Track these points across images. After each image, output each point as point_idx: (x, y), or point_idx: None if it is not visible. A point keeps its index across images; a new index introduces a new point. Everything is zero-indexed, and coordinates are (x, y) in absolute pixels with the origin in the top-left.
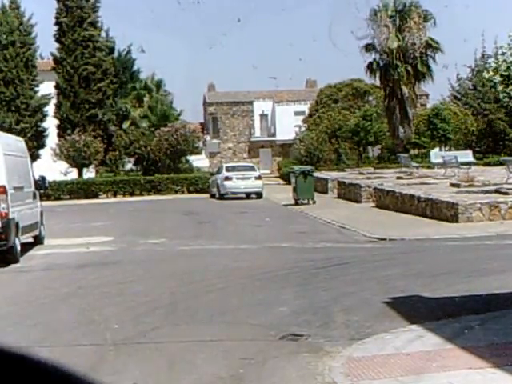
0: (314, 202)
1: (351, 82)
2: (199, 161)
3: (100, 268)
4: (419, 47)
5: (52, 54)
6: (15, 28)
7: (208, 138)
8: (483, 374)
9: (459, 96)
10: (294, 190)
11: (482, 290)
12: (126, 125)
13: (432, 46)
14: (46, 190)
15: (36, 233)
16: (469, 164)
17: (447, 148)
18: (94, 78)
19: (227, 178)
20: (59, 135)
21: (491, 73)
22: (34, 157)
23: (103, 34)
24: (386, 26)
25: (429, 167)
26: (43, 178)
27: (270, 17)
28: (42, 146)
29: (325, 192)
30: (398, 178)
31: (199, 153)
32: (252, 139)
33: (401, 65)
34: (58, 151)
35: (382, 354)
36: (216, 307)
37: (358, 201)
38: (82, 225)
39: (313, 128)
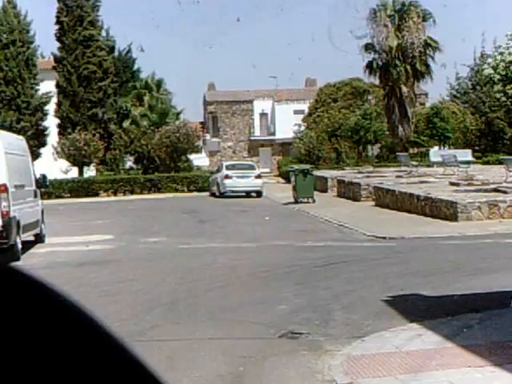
0: (314, 201)
1: (350, 81)
2: (199, 159)
3: (100, 266)
4: (418, 46)
5: (53, 53)
6: (15, 27)
7: (208, 136)
8: (482, 373)
9: (458, 95)
10: (294, 188)
11: (481, 288)
12: (126, 124)
13: (431, 46)
14: (46, 188)
15: (37, 231)
16: (468, 163)
17: (446, 147)
18: (94, 77)
19: (227, 177)
20: (60, 134)
21: (490, 70)
22: (35, 155)
23: (103, 33)
24: (385, 25)
25: (428, 166)
26: (44, 177)
27: (270, 16)
28: (43, 144)
29: (324, 191)
30: (398, 176)
31: (199, 151)
32: (252, 138)
33: (400, 64)
34: (58, 150)
35: (381, 353)
36: (216, 305)
37: (357, 199)
38: (82, 223)
39: (312, 127)
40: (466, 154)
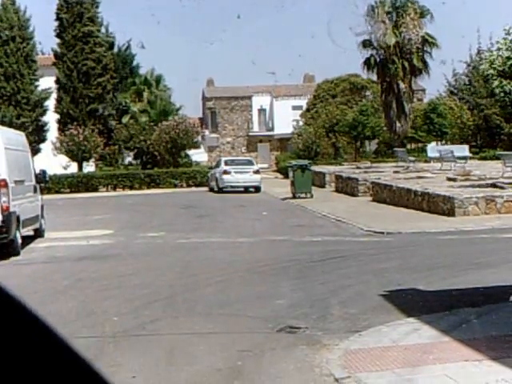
0: (312, 196)
1: (348, 77)
2: (198, 155)
3: (99, 261)
4: (416, 43)
5: (53, 49)
6: (15, 23)
7: (207, 132)
8: (479, 367)
9: (455, 91)
10: (292, 183)
11: (478, 283)
12: (125, 119)
13: (428, 42)
14: (46, 183)
15: (36, 226)
16: (465, 158)
17: (443, 142)
18: (93, 73)
19: (226, 172)
20: (59, 129)
21: (487, 65)
22: (35, 151)
23: (103, 29)
24: (383, 21)
25: (425, 161)
26: (44, 172)
27: (269, 13)
28: (43, 140)
29: (322, 186)
30: (395, 172)
31: (198, 147)
32: (250, 133)
33: (398, 60)
34: (58, 145)
35: (378, 347)
36: (214, 300)
37: (355, 195)
38: (81, 218)
39: (310, 123)
40: (463, 150)
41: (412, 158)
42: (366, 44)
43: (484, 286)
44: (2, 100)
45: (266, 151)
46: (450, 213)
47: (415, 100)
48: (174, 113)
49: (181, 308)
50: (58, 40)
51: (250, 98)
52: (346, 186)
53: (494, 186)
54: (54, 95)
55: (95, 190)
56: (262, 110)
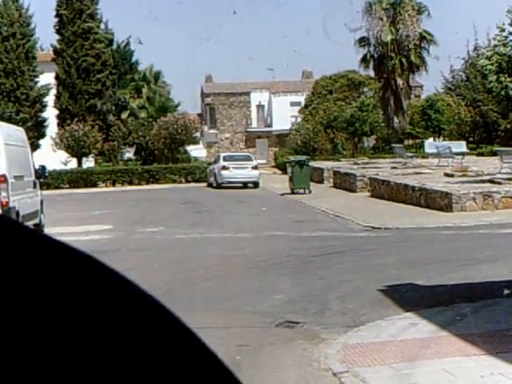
0: (310, 192)
1: (346, 73)
2: (197, 151)
3: (98, 256)
4: (413, 39)
5: (52, 45)
6: (15, 20)
7: (205, 128)
8: (476, 361)
9: (453, 87)
10: (290, 179)
11: (475, 278)
12: (124, 115)
13: (426, 38)
14: (45, 179)
15: (36, 221)
16: (462, 154)
17: (441, 138)
18: (93, 69)
19: (224, 168)
20: (59, 125)
21: (485, 60)
22: (34, 146)
23: (102, 25)
24: (380, 18)
25: (423, 157)
26: (43, 168)
27: (266, 9)
28: (42, 135)
29: (320, 182)
30: (393, 167)
31: (197, 143)
32: (249, 129)
33: (395, 57)
34: (57, 141)
35: (377, 341)
36: (213, 295)
37: (353, 190)
38: (81, 213)
39: (308, 119)
40: (460, 146)
41: (410, 154)
42: (363, 41)
43: (481, 281)
44: (2, 96)
45: (264, 147)
46: (448, 208)
47: (413, 96)
48: (172, 109)
49: (179, 303)
50: (57, 36)
51: (248, 94)
52: (344, 182)
53: (491, 181)
54: (54, 91)
55: (94, 185)
56: (260, 106)
